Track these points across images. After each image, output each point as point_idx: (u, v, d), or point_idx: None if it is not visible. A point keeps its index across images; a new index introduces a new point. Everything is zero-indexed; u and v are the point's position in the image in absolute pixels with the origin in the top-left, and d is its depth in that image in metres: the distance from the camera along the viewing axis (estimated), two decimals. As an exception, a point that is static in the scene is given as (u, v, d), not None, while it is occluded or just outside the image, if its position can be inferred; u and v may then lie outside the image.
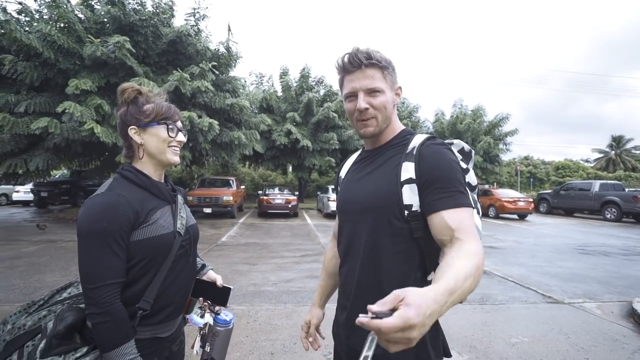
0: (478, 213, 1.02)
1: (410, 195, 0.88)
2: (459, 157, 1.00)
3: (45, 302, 1.01)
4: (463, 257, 0.72)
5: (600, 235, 10.04)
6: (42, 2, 8.92)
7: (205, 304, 1.17)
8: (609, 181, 16.82)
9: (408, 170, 0.89)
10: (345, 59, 0.94)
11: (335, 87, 19.85)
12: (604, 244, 8.54)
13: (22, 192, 15.62)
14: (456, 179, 0.86)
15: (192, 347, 1.16)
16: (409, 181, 0.88)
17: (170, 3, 9.98)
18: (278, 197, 13.21)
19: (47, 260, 5.46)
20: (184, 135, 1.14)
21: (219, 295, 1.17)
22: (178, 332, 1.14)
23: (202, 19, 10.47)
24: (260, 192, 14.62)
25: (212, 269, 1.27)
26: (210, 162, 16.36)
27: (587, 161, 40.12)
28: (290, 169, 21.13)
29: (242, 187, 16.38)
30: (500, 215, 14.68)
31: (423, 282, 0.90)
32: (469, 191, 0.98)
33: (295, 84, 18.25)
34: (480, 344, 2.96)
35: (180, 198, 1.14)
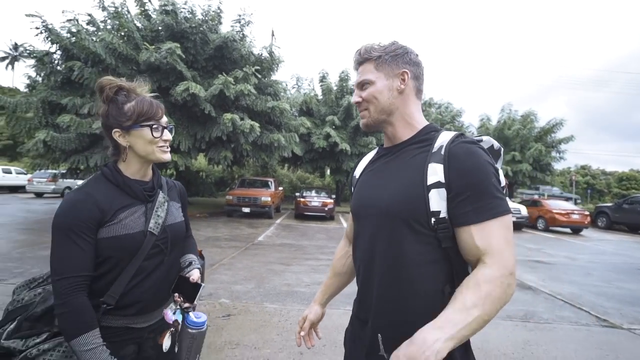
0: None
1: (438, 201, 0.79)
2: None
3: (44, 280, 1.07)
4: (472, 286, 0.73)
5: (670, 256, 8.96)
6: (107, 13, 9.79)
7: (178, 299, 1.13)
8: (682, 196, 14.99)
9: (436, 172, 0.80)
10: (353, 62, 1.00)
11: (376, 90, 19.61)
12: (675, 265, 7.62)
13: (83, 186, 17.12)
14: (491, 184, 0.78)
15: (161, 342, 1.09)
16: (437, 185, 0.80)
17: (218, 10, 10.50)
18: (315, 199, 13.31)
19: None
20: (171, 132, 1.10)
21: (190, 292, 1.12)
22: (161, 323, 1.12)
23: (247, 25, 10.91)
24: (297, 194, 14.81)
25: (198, 268, 1.22)
26: (250, 163, 16.90)
27: (656, 172, 36.07)
28: (328, 172, 21.24)
29: (280, 188, 16.71)
30: (551, 228, 13.64)
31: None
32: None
33: (335, 88, 18.34)
34: (522, 364, 2.76)
35: (162, 196, 1.12)
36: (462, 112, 20.69)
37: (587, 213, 13.78)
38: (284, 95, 13.10)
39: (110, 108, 1.02)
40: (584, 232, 13.87)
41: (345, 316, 3.57)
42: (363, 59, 0.94)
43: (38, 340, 0.93)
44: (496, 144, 0.95)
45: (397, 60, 0.91)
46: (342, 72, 18.32)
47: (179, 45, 8.81)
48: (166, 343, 1.05)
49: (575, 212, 13.49)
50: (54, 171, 14.40)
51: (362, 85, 0.94)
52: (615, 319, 3.97)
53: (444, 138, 0.85)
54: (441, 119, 19.27)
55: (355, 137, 17.12)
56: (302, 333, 1.14)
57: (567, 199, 16.09)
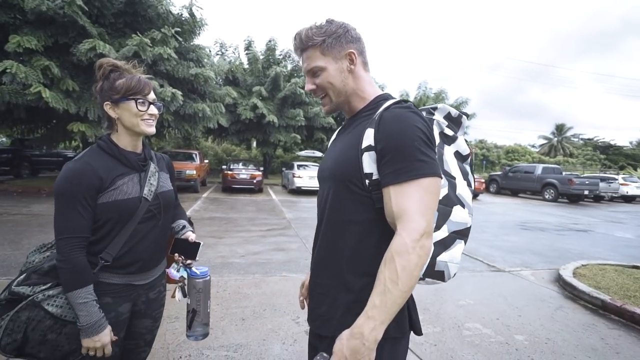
0: (469, 185, 0.97)
1: (369, 163, 0.85)
2: (445, 123, 0.96)
3: (52, 245, 1.19)
4: (388, 261, 0.77)
5: (539, 214, 11.15)
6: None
7: (179, 258, 1.28)
8: (550, 165, 18.42)
9: (369, 137, 0.85)
10: (293, 47, 1.00)
11: (303, 62, 19.45)
12: (542, 221, 9.53)
13: (-47, 161, 14.04)
14: (414, 147, 0.79)
15: (173, 297, 1.28)
16: (368, 148, 0.85)
17: (127, -42, 9.12)
18: (243, 172, 13.08)
19: (-6, 233, 5.12)
20: (158, 107, 1.21)
21: (190, 250, 1.28)
22: (157, 282, 1.30)
23: (163, -21, 9.73)
24: (224, 166, 14.35)
25: (191, 231, 1.37)
26: (171, 134, 15.68)
27: (533, 146, 43.43)
28: (254, 144, 20.80)
29: (206, 161, 15.95)
30: (455, 194, 15.67)
31: None
32: (453, 160, 0.93)
33: (262, 57, 17.69)
34: (433, 307, 3.31)
35: (153, 167, 1.24)
36: (384, 87, 21.84)
37: (482, 180, 16.15)
38: (208, 62, 12.22)
39: (104, 84, 1.14)
40: (480, 196, 16.27)
41: (281, 282, 3.78)
42: (306, 45, 0.95)
43: (44, 287, 1.05)
44: (454, 111, 0.97)
45: (341, 41, 0.93)
46: (270, 41, 17.68)
47: (79, -5, 7.51)
48: (178, 296, 1.24)
49: (474, 180, 15.69)
50: None
51: (314, 72, 0.96)
52: (501, 264, 4.92)
53: (386, 105, 0.89)
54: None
55: (283, 109, 16.96)
56: (301, 297, 1.21)
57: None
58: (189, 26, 10.39)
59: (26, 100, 7.57)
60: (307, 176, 13.13)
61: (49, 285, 1.04)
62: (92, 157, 1.12)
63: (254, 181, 12.94)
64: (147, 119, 1.17)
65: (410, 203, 0.78)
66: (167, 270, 1.29)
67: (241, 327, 2.73)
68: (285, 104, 16.98)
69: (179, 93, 9.09)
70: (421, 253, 0.76)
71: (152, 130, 1.19)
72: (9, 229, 5.46)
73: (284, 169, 16.73)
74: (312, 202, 11.12)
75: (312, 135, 19.04)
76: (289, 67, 18.25)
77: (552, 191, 15.61)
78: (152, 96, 1.19)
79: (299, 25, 1.02)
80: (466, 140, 0.98)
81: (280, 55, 18.22)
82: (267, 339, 2.57)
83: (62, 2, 7.45)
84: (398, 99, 0.91)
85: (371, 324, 0.76)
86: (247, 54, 17.54)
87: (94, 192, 1.07)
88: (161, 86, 8.95)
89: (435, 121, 0.95)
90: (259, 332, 2.66)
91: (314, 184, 13.01)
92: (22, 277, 1.06)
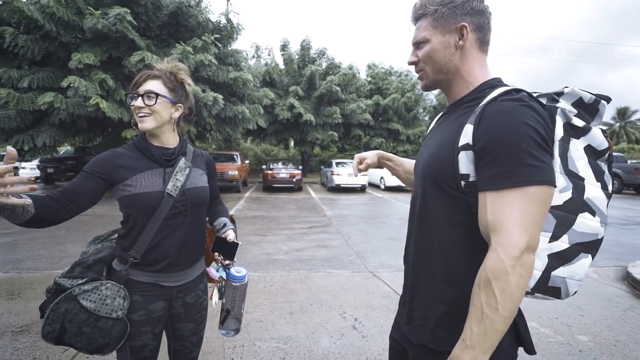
0: (605, 188, 0.77)
1: (466, 164, 0.75)
2: (573, 112, 0.77)
3: (105, 238, 1.26)
4: (483, 284, 0.68)
5: (600, 207, 10.22)
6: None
7: (218, 258, 1.25)
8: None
9: (467, 134, 0.75)
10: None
11: (338, 59, 19.45)
12: (603, 214, 8.73)
13: (28, 168, 15.75)
14: (521, 148, 0.67)
15: (211, 299, 1.24)
16: (465, 147, 0.75)
17: (169, -28, 9.65)
18: (282, 171, 13.34)
19: (65, 233, 5.68)
20: (143, 99, 1.10)
21: (228, 250, 1.25)
22: (192, 286, 1.24)
23: (202, -12, 10.18)
24: (264, 166, 14.73)
25: (232, 229, 1.32)
26: (213, 136, 16.38)
27: (590, 134, 39.84)
28: (292, 143, 21.11)
29: (247, 161, 16.48)
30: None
31: None
32: (582, 157, 0.76)
33: (297, 57, 17.92)
34: (484, 304, 3.17)
35: (183, 162, 1.19)
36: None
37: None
38: (245, 65, 12.61)
39: None
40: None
41: (326, 278, 3.82)
42: (419, 14, 0.86)
43: (81, 282, 1.07)
44: (587, 96, 0.77)
45: (456, 12, 0.81)
46: (304, 41, 17.87)
47: (128, 11, 8.08)
48: (215, 297, 1.19)
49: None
50: (-9, 153, 13.09)
51: (418, 44, 0.87)
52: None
53: (491, 96, 0.76)
54: (402, 87, 19.65)
55: (319, 107, 17.07)
56: (360, 166, 1.25)
57: None
58: (227, 32, 10.79)
59: (87, 111, 8.30)
60: (346, 174, 13.11)
61: (85, 280, 1.07)
62: (123, 149, 1.16)
63: (294, 180, 13.15)
64: (138, 114, 1.11)
65: (510, 213, 0.67)
66: (208, 269, 1.25)
67: (289, 321, 2.80)
68: (322, 102, 17.06)
69: (220, 97, 9.48)
70: (522, 272, 0.66)
71: (146, 126, 1.11)
72: (79, 229, 6.03)
73: (322, 167, 16.82)
74: (352, 200, 11.10)
75: (349, 133, 18.98)
76: (324, 65, 18.31)
77: (615, 182, 14.24)
78: (145, 87, 1.10)
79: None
80: (604, 132, 0.78)
81: (315, 54, 18.33)
82: (315, 332, 2.62)
83: (115, 19, 8.06)
84: (509, 87, 0.78)
85: (471, 354, 0.67)
86: (282, 54, 17.86)
87: (108, 175, 1.09)
88: (203, 91, 9.39)
89: (559, 110, 0.77)
90: (307, 326, 2.72)
91: (353, 181, 12.98)
92: (66, 269, 1.09)
